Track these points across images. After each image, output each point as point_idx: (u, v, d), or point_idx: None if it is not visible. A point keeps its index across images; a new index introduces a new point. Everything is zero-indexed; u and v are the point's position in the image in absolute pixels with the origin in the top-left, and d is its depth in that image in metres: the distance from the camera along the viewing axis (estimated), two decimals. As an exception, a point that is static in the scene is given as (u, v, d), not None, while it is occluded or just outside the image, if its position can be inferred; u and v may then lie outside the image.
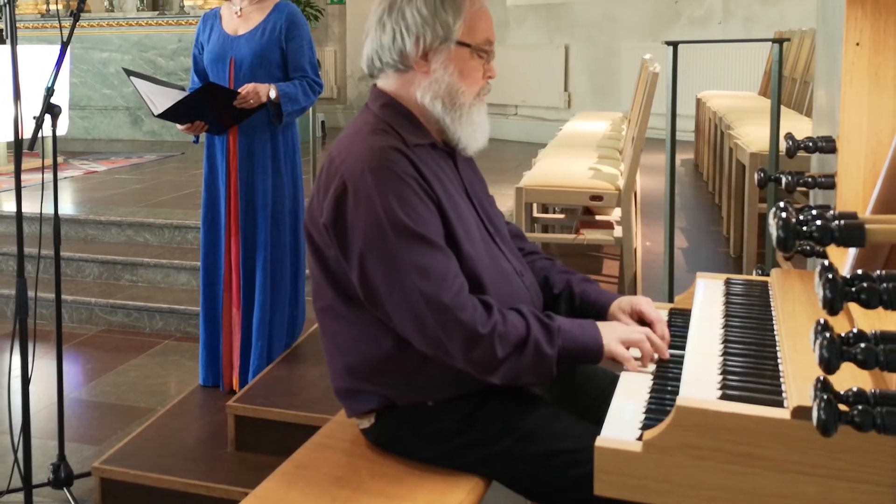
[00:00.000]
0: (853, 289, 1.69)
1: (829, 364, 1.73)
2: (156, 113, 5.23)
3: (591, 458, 2.37)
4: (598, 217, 7.37)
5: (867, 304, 1.70)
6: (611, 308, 3.17)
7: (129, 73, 5.35)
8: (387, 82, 3.13)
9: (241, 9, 5.54)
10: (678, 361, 2.75)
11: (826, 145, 3.12)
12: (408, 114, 3.07)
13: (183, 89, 5.39)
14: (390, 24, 3.05)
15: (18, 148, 4.29)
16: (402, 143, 2.97)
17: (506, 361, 2.84)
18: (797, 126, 5.85)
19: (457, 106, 3.04)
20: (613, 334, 2.95)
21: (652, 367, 2.88)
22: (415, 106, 3.07)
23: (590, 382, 3.30)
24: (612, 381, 2.88)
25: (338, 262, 2.99)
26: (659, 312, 3.11)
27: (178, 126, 5.43)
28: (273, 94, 5.30)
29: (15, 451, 4.39)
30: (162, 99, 5.20)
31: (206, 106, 5.30)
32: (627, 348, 2.93)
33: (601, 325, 3.00)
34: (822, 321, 1.76)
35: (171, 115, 5.27)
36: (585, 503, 2.46)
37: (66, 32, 4.42)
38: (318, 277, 3.11)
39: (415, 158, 2.96)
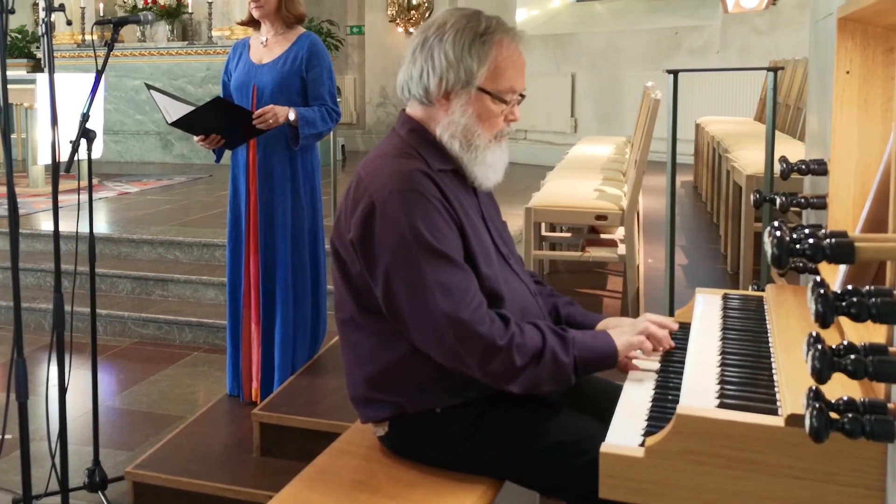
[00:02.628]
0: (843, 303, 1.68)
1: (820, 374, 1.73)
2: (169, 121, 5.24)
3: (594, 446, 2.39)
4: (602, 235, 7.37)
5: (857, 318, 1.69)
6: (596, 328, 3.19)
7: (149, 86, 5.36)
8: (414, 110, 3.12)
9: (267, 39, 5.57)
10: (678, 371, 2.75)
11: (818, 168, 3.12)
12: (432, 140, 3.06)
13: (196, 106, 5.39)
14: (420, 59, 3.04)
15: (56, 170, 4.30)
16: (427, 167, 2.98)
17: (525, 370, 2.86)
18: (791, 150, 5.84)
19: (472, 147, 3.03)
20: (622, 338, 2.98)
21: (656, 364, 2.89)
22: (437, 135, 3.06)
23: (595, 392, 3.30)
24: (615, 391, 2.88)
25: (361, 276, 3.00)
26: (653, 317, 3.15)
27: (194, 138, 5.45)
28: (292, 117, 5.30)
29: (52, 457, 4.40)
30: (176, 110, 5.21)
31: (218, 120, 5.32)
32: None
33: (611, 332, 3.03)
34: (814, 334, 1.76)
35: (184, 124, 5.28)
36: (593, 492, 2.46)
37: (100, 61, 4.43)
38: (341, 290, 3.12)
39: (439, 181, 2.97)
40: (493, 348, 2.83)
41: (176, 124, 5.25)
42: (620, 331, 3.05)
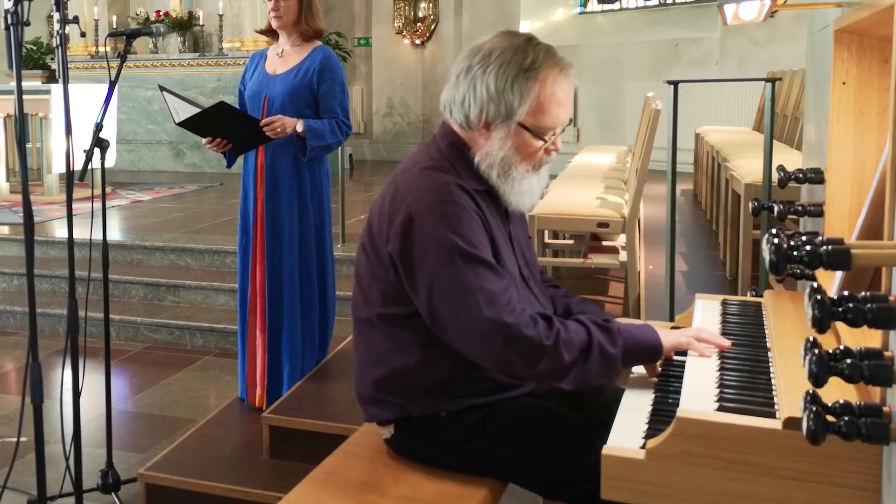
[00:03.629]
0: (840, 309, 1.69)
1: (817, 378, 1.73)
2: (177, 121, 5.25)
3: (596, 448, 2.39)
4: (604, 243, 7.38)
5: (853, 323, 1.70)
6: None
7: (161, 88, 5.37)
8: (456, 127, 3.07)
9: (283, 50, 5.58)
10: (678, 375, 2.75)
11: (815, 176, 3.12)
12: (469, 160, 3.02)
13: (202, 108, 5.38)
14: (463, 86, 2.98)
15: (70, 179, 4.31)
16: (462, 182, 2.97)
17: (574, 366, 2.84)
18: (788, 159, 5.84)
19: (509, 178, 2.99)
20: (670, 336, 2.96)
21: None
22: (475, 161, 3.03)
23: (597, 395, 3.30)
24: (618, 395, 2.88)
25: (390, 284, 3.00)
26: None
27: (202, 140, 5.45)
28: (300, 129, 5.29)
29: (67, 459, 4.40)
30: (184, 111, 5.22)
31: (225, 125, 5.33)
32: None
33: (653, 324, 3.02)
34: (811, 339, 1.76)
35: (191, 125, 5.29)
36: (594, 493, 2.46)
37: (113, 72, 4.43)
38: (367, 292, 3.11)
39: (475, 196, 2.96)
40: (540, 349, 2.81)
41: (183, 124, 5.26)
42: (668, 330, 3.03)
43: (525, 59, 2.92)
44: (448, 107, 3.05)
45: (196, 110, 5.21)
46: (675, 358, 2.97)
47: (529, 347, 2.82)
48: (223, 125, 5.31)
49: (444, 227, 2.86)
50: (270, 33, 5.67)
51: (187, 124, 5.26)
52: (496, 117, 2.94)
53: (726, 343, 2.92)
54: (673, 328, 3.20)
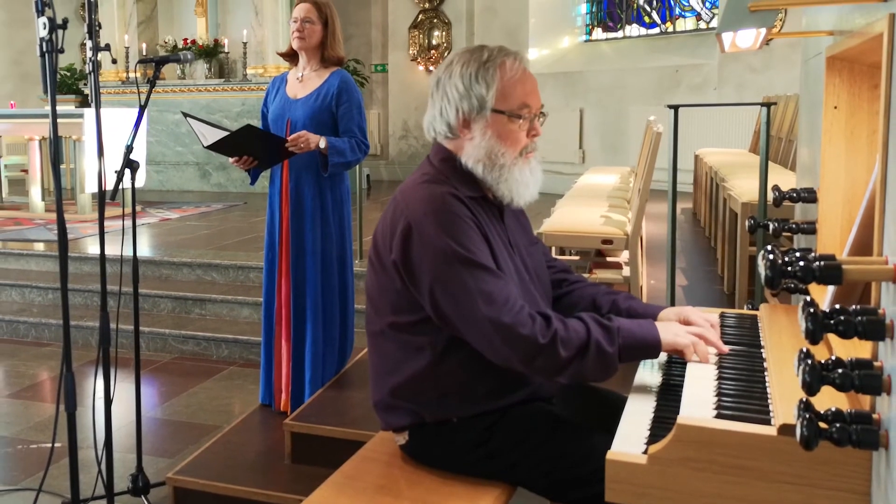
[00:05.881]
0: (832, 321, 1.69)
1: (810, 387, 1.73)
2: (205, 144, 5.25)
3: (600, 453, 2.38)
4: (608, 258, 7.35)
5: (844, 335, 1.70)
6: (659, 317, 3.15)
7: (185, 115, 5.38)
8: (444, 143, 3.13)
9: (302, 74, 5.59)
10: (679, 384, 2.75)
11: (808, 196, 3.12)
12: (461, 169, 3.07)
13: (229, 132, 5.39)
14: (437, 98, 3.09)
15: (102, 198, 4.32)
16: (457, 192, 2.99)
17: (571, 363, 2.85)
18: (783, 179, 5.84)
19: (497, 167, 3.02)
20: (669, 333, 2.95)
21: (713, 364, 2.86)
22: (464, 163, 3.08)
23: (602, 403, 3.31)
24: (621, 402, 2.87)
25: (397, 293, 3.02)
26: (706, 316, 3.10)
27: (229, 159, 5.47)
28: (322, 145, 5.31)
29: (99, 463, 4.41)
30: (211, 135, 5.23)
31: (250, 144, 5.34)
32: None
33: (658, 325, 3.00)
34: (804, 350, 1.77)
35: (218, 147, 5.30)
36: (599, 496, 2.46)
37: (143, 97, 4.44)
38: (377, 304, 3.13)
39: (469, 204, 2.99)
40: (536, 347, 2.83)
41: (211, 147, 5.27)
42: (670, 325, 3.03)
43: (482, 55, 3.05)
44: (431, 127, 3.15)
45: (222, 133, 5.23)
46: (676, 367, 2.98)
47: (526, 345, 2.83)
48: (249, 144, 5.32)
49: (441, 233, 2.89)
50: (291, 57, 5.69)
51: (215, 147, 5.27)
52: (471, 111, 3.03)
53: (724, 348, 2.95)
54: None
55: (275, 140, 5.34)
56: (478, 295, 2.85)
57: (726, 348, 2.96)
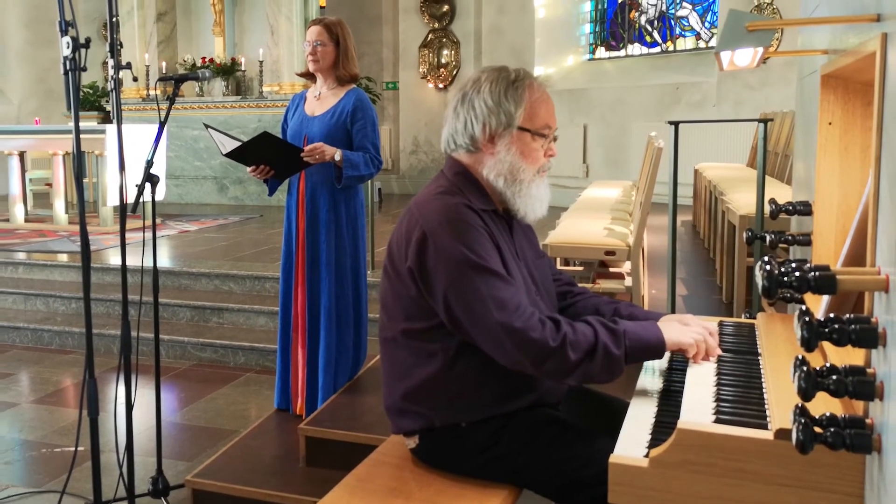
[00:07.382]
0: (826, 330, 1.69)
1: (806, 393, 1.73)
2: (223, 153, 5.27)
3: (604, 457, 2.39)
4: (611, 269, 7.35)
5: (838, 343, 1.70)
6: (659, 322, 3.15)
7: (206, 126, 5.40)
8: (461, 157, 3.15)
9: (320, 93, 5.62)
10: (679, 391, 2.75)
11: (804, 209, 3.12)
12: (476, 183, 3.10)
13: (245, 140, 5.40)
14: (463, 112, 3.10)
15: (123, 211, 4.33)
16: (470, 203, 3.01)
17: (580, 365, 2.86)
18: (779, 192, 5.84)
19: (517, 182, 3.05)
20: (671, 333, 2.97)
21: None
22: (482, 178, 3.10)
23: (605, 408, 3.31)
24: (623, 408, 2.88)
25: (411, 300, 3.03)
26: (705, 324, 3.11)
27: (247, 170, 5.49)
28: (337, 158, 5.32)
29: (120, 466, 4.42)
30: (229, 144, 5.24)
31: (267, 153, 5.35)
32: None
33: (661, 325, 3.02)
34: (800, 357, 1.77)
35: (236, 155, 5.31)
36: (602, 498, 2.46)
37: (163, 114, 4.45)
38: (391, 311, 3.14)
39: (482, 215, 3.01)
40: (546, 350, 2.84)
41: (229, 156, 5.28)
42: (673, 326, 3.04)
43: (510, 75, 3.09)
44: (451, 140, 3.16)
45: (240, 142, 5.24)
46: (676, 373, 2.98)
47: (536, 349, 2.84)
48: (265, 153, 5.33)
49: (455, 241, 2.90)
50: (309, 76, 5.72)
51: (233, 155, 5.28)
52: (498, 126, 3.05)
53: (719, 350, 3.00)
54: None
55: (291, 149, 5.35)
56: (490, 301, 2.86)
57: (719, 350, 3.00)
